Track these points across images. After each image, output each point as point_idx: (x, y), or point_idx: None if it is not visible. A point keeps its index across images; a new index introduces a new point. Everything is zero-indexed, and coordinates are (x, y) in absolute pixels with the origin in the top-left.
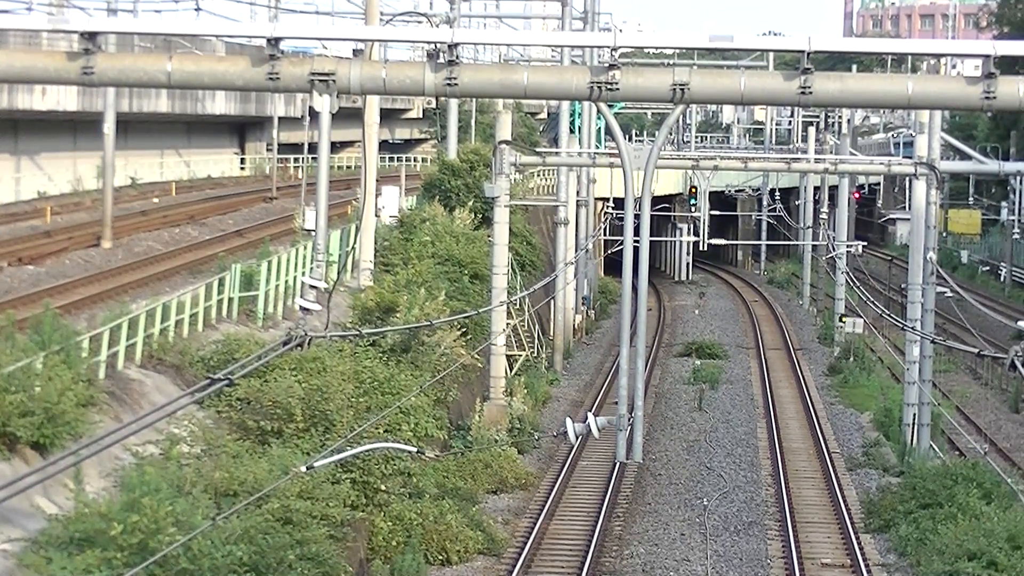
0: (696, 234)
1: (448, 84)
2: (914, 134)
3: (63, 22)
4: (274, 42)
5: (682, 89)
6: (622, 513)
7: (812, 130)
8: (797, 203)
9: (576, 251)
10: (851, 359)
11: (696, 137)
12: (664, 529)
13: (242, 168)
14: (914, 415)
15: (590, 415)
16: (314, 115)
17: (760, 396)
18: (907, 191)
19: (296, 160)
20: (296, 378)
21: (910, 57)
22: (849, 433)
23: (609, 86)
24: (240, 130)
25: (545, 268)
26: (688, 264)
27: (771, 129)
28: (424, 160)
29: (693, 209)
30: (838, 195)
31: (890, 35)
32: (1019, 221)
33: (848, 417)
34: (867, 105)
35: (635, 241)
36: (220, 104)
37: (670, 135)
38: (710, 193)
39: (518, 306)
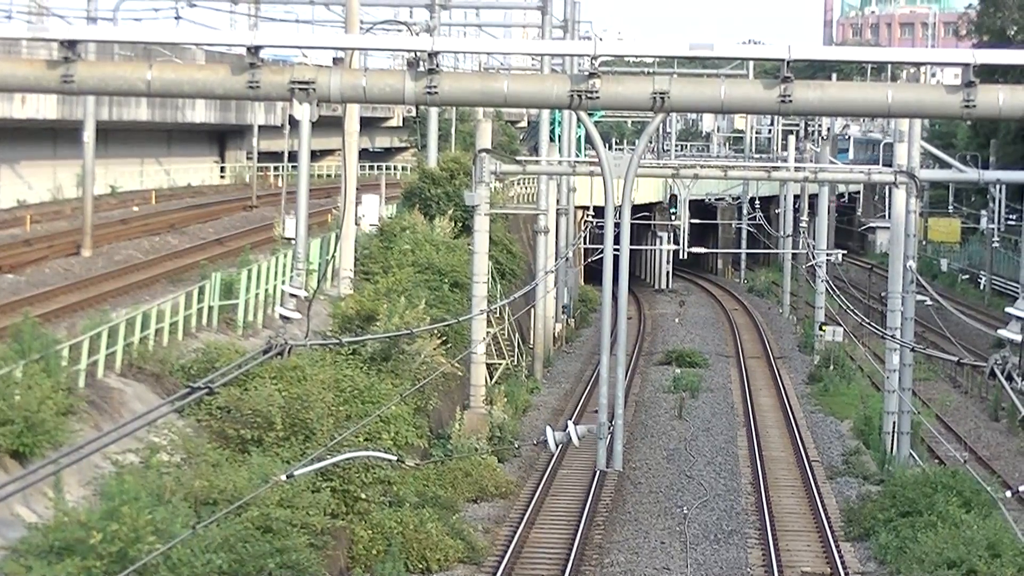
0: (676, 242)
1: (428, 93)
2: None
3: (43, 30)
4: (254, 50)
5: (662, 98)
6: (602, 522)
7: (792, 138)
8: (777, 211)
9: (556, 259)
10: (831, 367)
11: (676, 145)
12: (644, 538)
13: (222, 176)
14: (894, 423)
15: (570, 423)
16: (294, 123)
17: (740, 404)
18: (887, 200)
19: (276, 168)
20: (276, 386)
21: (890, 65)
22: (829, 441)
23: (589, 95)
24: (220, 138)
25: (525, 276)
26: (668, 272)
27: (751, 138)
28: (404, 168)
29: (673, 217)
30: (818, 203)
31: (870, 43)
32: (999, 229)
33: (828, 425)
34: (847, 113)
35: (615, 249)
36: (200, 112)
37: (650, 143)
38: (690, 201)
39: (498, 314)
